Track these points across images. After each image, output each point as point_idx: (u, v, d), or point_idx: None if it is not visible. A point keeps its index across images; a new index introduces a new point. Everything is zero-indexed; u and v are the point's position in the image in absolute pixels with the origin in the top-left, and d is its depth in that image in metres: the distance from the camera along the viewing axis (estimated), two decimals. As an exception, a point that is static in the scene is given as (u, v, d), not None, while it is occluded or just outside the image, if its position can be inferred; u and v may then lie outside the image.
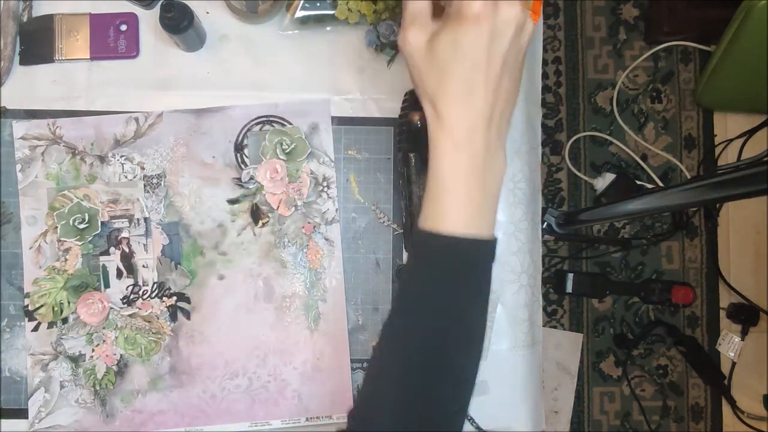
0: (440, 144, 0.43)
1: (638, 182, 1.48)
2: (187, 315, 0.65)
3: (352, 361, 0.66)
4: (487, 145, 0.43)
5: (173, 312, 0.65)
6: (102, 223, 0.65)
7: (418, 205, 0.64)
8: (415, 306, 0.45)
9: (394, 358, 0.45)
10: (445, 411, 0.45)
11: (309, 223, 0.66)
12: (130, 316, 0.65)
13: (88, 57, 0.66)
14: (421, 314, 0.44)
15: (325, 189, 0.67)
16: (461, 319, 0.44)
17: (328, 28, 0.68)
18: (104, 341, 0.65)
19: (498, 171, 0.44)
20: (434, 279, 0.44)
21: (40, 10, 0.67)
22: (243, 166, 0.66)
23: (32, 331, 0.65)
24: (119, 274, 0.65)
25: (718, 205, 1.50)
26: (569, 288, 1.39)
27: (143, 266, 0.65)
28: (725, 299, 1.51)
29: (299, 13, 0.66)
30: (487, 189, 0.43)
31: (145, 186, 0.66)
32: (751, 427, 1.46)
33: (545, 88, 1.52)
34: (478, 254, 0.44)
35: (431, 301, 0.44)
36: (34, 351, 0.64)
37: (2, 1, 0.65)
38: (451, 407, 0.46)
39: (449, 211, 0.43)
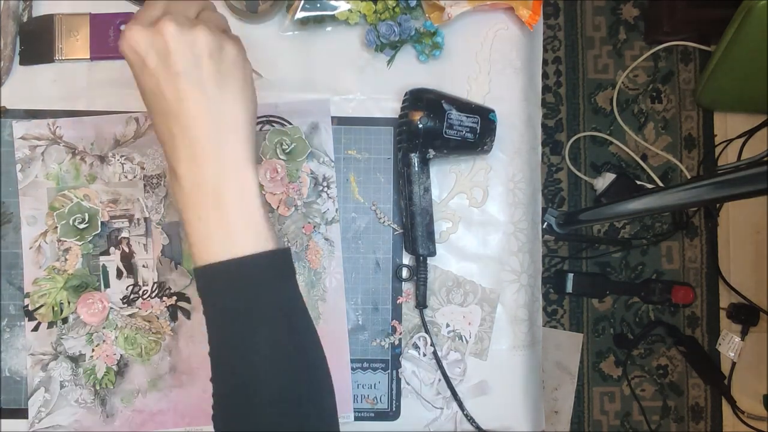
0: (171, 182, 0.43)
1: (638, 182, 1.48)
2: (188, 315, 0.65)
3: (352, 361, 0.66)
4: (207, 170, 0.41)
5: (173, 312, 0.65)
6: (102, 223, 0.65)
7: (419, 205, 0.64)
8: (229, 351, 0.41)
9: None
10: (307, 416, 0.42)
11: (309, 223, 0.66)
12: (130, 316, 0.65)
13: (88, 57, 0.66)
14: (237, 357, 0.41)
15: (325, 189, 0.67)
16: (281, 331, 0.42)
17: (328, 29, 0.68)
18: (104, 341, 0.65)
19: (239, 190, 0.41)
20: (228, 312, 0.41)
21: (40, 10, 0.67)
22: (243, 166, 0.66)
23: (32, 331, 0.65)
24: (119, 274, 0.65)
25: (718, 205, 1.50)
26: (569, 288, 1.39)
27: (143, 266, 0.65)
28: (725, 299, 1.51)
29: (299, 14, 0.66)
30: (230, 210, 0.41)
31: (145, 186, 0.66)
32: (751, 427, 1.46)
33: (545, 88, 1.52)
34: (258, 266, 0.41)
35: (251, 325, 0.41)
36: (34, 351, 0.64)
37: (2, 1, 0.65)
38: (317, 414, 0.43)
39: (195, 242, 0.41)
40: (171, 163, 0.42)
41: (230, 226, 0.41)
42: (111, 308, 0.65)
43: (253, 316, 0.41)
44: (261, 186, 0.46)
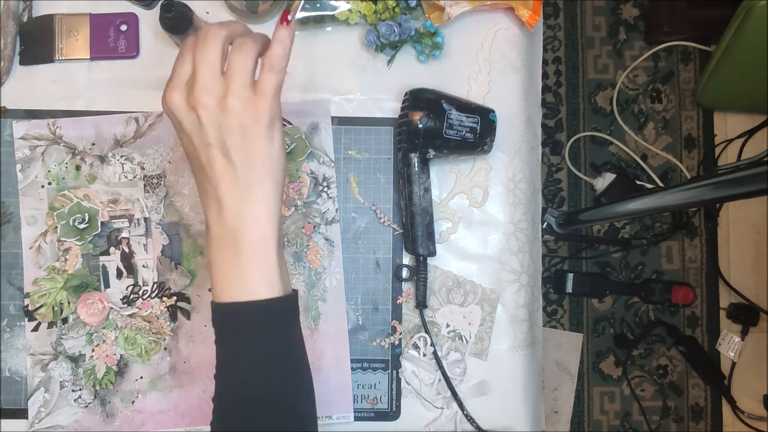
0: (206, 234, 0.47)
1: (638, 182, 1.48)
2: (187, 315, 0.65)
3: (352, 361, 0.66)
4: (228, 225, 0.45)
5: (173, 312, 0.65)
6: (102, 223, 0.65)
7: (419, 205, 0.64)
8: (233, 375, 0.47)
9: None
10: None
11: (309, 223, 0.66)
12: (130, 316, 0.65)
13: (88, 57, 0.66)
14: (239, 380, 0.46)
15: (325, 189, 0.67)
16: (279, 369, 0.47)
17: (329, 29, 0.68)
18: (104, 341, 0.65)
19: (258, 239, 0.45)
20: (238, 345, 0.46)
21: (40, 10, 0.67)
22: (243, 166, 0.66)
23: (32, 331, 0.65)
24: (119, 274, 0.65)
25: (718, 205, 1.50)
26: (569, 288, 1.39)
27: (143, 266, 0.65)
28: (725, 299, 1.51)
29: (299, 14, 0.66)
30: (248, 256, 0.45)
31: (145, 186, 0.66)
32: (751, 427, 1.46)
33: (545, 88, 1.52)
34: (270, 311, 0.46)
35: (247, 364, 0.46)
36: (34, 351, 0.64)
37: (2, 1, 0.65)
38: None
39: (221, 280, 0.46)
40: (204, 209, 0.46)
41: (246, 273, 0.45)
42: (111, 308, 0.65)
43: (258, 355, 0.46)
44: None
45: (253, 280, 0.45)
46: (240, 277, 0.45)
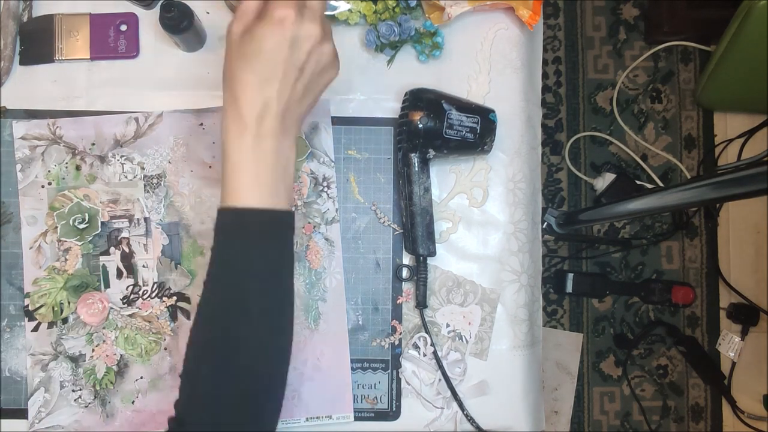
0: (230, 126, 0.48)
1: (638, 182, 1.48)
2: (187, 315, 0.65)
3: (352, 361, 0.66)
4: (273, 132, 0.48)
5: (173, 312, 0.65)
6: (102, 223, 0.65)
7: (419, 205, 0.64)
8: (223, 278, 0.48)
9: (207, 334, 0.48)
10: (262, 376, 0.48)
11: (309, 223, 0.66)
12: (130, 316, 0.65)
13: (88, 57, 0.66)
14: (228, 284, 0.48)
15: (325, 189, 0.67)
16: (269, 282, 0.49)
17: (328, 28, 0.68)
18: (104, 341, 0.65)
19: (286, 156, 0.49)
20: (235, 249, 0.48)
21: (40, 10, 0.67)
22: (243, 166, 0.66)
23: (32, 331, 0.65)
24: (119, 274, 0.65)
25: (718, 205, 1.50)
26: (569, 288, 1.39)
27: (143, 266, 0.65)
28: (725, 299, 1.51)
29: (299, 13, 0.65)
30: (277, 169, 0.48)
31: (145, 186, 0.66)
32: (751, 427, 1.46)
33: (545, 88, 1.52)
34: (273, 222, 0.49)
35: (237, 270, 0.48)
36: (34, 351, 0.64)
37: (2, 1, 0.65)
38: (269, 372, 0.49)
39: (239, 188, 0.48)
40: (241, 110, 0.48)
41: (268, 180, 0.48)
42: (111, 308, 0.65)
43: (257, 262, 0.48)
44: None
45: (280, 189, 0.48)
46: (270, 185, 0.48)
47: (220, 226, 0.48)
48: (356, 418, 0.66)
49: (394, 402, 0.66)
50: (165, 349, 0.65)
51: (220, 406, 0.46)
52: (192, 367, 0.48)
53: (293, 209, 0.51)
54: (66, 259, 0.65)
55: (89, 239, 0.64)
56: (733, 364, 1.48)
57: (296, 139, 0.50)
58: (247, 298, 0.47)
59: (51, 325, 0.65)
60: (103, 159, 0.66)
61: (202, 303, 0.48)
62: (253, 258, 0.48)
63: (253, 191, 0.48)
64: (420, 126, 0.62)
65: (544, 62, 1.52)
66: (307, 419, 0.65)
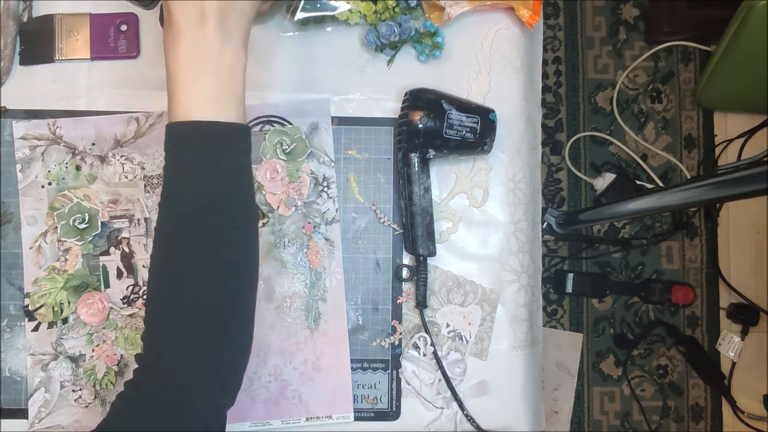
0: (166, 37, 0.46)
1: (638, 182, 1.48)
2: (187, 315, 0.65)
3: (352, 361, 0.66)
4: (211, 38, 0.45)
5: (173, 312, 0.65)
6: (102, 223, 0.65)
7: (419, 205, 0.64)
8: (170, 200, 0.46)
9: (170, 259, 0.46)
10: (229, 283, 0.46)
11: (309, 223, 0.66)
12: (130, 316, 0.65)
13: (89, 57, 0.66)
14: (183, 200, 0.45)
15: (325, 189, 0.67)
16: (224, 194, 0.46)
17: (329, 29, 0.68)
18: (104, 341, 0.65)
19: (230, 63, 0.46)
20: (185, 164, 0.45)
21: (40, 10, 0.67)
22: (243, 166, 0.66)
23: (32, 331, 0.65)
24: (119, 274, 0.65)
25: (718, 205, 1.50)
26: (569, 288, 1.39)
27: (143, 266, 0.65)
28: (725, 299, 1.51)
29: (299, 15, 0.66)
30: (220, 77, 0.46)
31: (145, 186, 0.66)
32: (751, 427, 1.46)
33: (545, 88, 1.52)
34: (222, 133, 0.46)
35: (190, 185, 0.45)
36: (34, 351, 0.64)
37: (2, 1, 0.65)
38: (239, 285, 0.47)
39: (181, 99, 0.45)
40: (179, 23, 0.45)
41: (220, 92, 0.46)
42: (111, 308, 0.65)
43: (212, 174, 0.45)
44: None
45: (227, 99, 0.46)
46: (213, 95, 0.45)
47: (165, 144, 0.46)
48: (356, 418, 0.66)
49: (394, 402, 0.67)
50: (165, 349, 0.65)
51: (180, 336, 0.44)
52: (151, 296, 0.46)
53: (247, 123, 0.48)
54: (66, 259, 0.65)
55: (89, 239, 0.64)
56: (733, 364, 1.48)
57: (244, 45, 0.48)
58: (203, 218, 0.45)
59: (51, 325, 0.65)
60: (103, 159, 0.66)
61: (156, 230, 0.46)
62: (192, 172, 0.45)
63: (193, 102, 0.45)
64: (420, 126, 0.62)
65: (544, 62, 1.52)
66: (307, 419, 0.65)
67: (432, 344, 0.66)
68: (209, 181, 0.45)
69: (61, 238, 0.64)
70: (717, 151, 1.53)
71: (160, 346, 0.45)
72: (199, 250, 0.45)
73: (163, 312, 0.45)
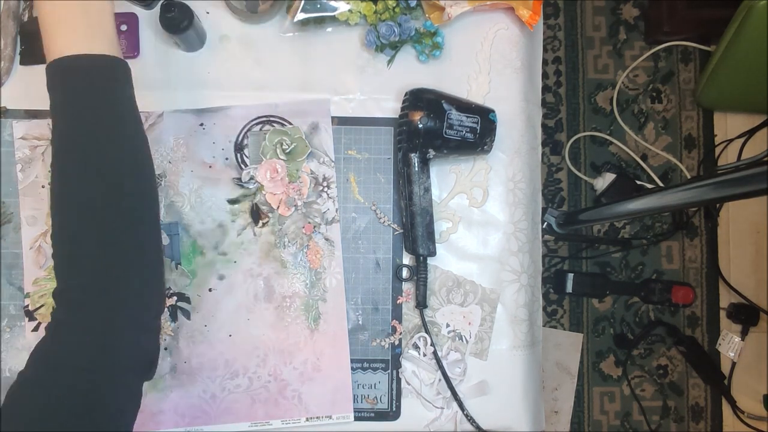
0: None
1: (638, 182, 1.48)
2: (187, 315, 0.65)
3: (352, 361, 0.66)
4: None
5: (173, 312, 0.65)
6: (102, 223, 0.65)
7: (419, 205, 0.65)
8: (68, 128, 0.48)
9: (67, 197, 0.47)
10: (134, 201, 0.49)
11: (309, 223, 0.66)
12: (130, 316, 0.65)
13: (89, 57, 0.66)
14: (75, 131, 0.48)
15: (325, 189, 0.67)
16: (111, 117, 0.49)
17: (329, 29, 0.68)
18: (104, 341, 0.65)
19: (99, 2, 0.49)
20: (70, 95, 0.48)
21: (41, 10, 0.67)
22: (243, 166, 0.66)
23: (32, 331, 0.65)
24: (119, 274, 0.65)
25: (718, 205, 1.50)
26: (569, 288, 1.39)
27: (143, 266, 0.65)
28: (725, 299, 1.51)
29: (299, 15, 0.66)
30: (91, 16, 0.49)
31: (145, 186, 0.66)
32: (751, 427, 1.46)
33: (545, 88, 1.52)
34: (101, 66, 0.49)
35: (78, 114, 0.48)
36: (35, 351, 0.64)
37: (2, 1, 0.65)
38: (140, 211, 0.49)
39: (57, 38, 0.48)
40: None
41: (93, 28, 0.49)
42: (111, 308, 0.65)
43: (99, 104, 0.48)
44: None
45: (98, 34, 0.49)
46: (86, 31, 0.48)
47: (48, 84, 0.48)
48: (356, 418, 0.66)
49: (394, 402, 0.67)
50: (165, 349, 0.65)
51: (84, 259, 0.46)
52: (55, 230, 0.48)
53: (123, 58, 0.51)
54: (66, 259, 0.65)
55: (89, 239, 0.64)
56: (733, 364, 1.48)
57: None
58: (93, 141, 0.47)
59: (51, 325, 0.64)
60: (103, 159, 0.66)
61: (51, 166, 0.48)
62: (79, 99, 0.48)
63: (68, 39, 0.48)
64: (420, 126, 0.62)
65: (544, 62, 1.52)
66: (307, 419, 0.65)
67: (432, 344, 0.66)
68: (97, 106, 0.48)
69: (61, 238, 0.64)
70: (717, 151, 1.53)
71: (65, 273, 0.46)
72: (90, 167, 0.47)
73: (68, 240, 0.47)
